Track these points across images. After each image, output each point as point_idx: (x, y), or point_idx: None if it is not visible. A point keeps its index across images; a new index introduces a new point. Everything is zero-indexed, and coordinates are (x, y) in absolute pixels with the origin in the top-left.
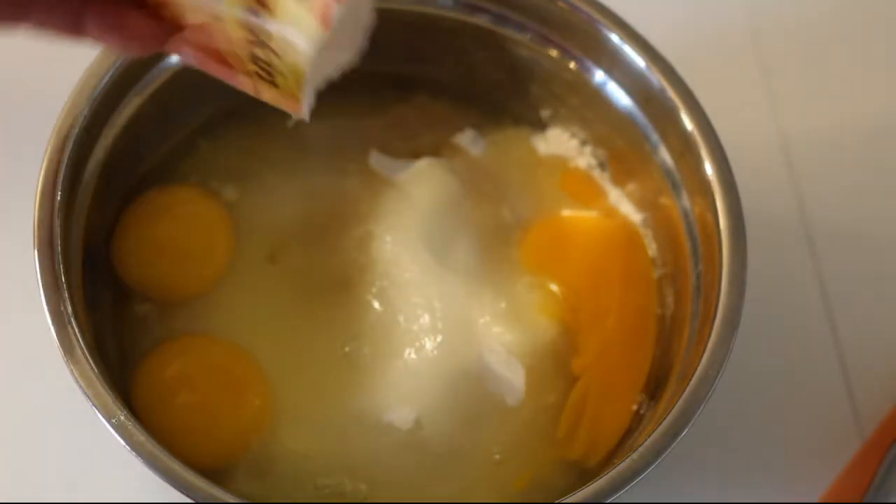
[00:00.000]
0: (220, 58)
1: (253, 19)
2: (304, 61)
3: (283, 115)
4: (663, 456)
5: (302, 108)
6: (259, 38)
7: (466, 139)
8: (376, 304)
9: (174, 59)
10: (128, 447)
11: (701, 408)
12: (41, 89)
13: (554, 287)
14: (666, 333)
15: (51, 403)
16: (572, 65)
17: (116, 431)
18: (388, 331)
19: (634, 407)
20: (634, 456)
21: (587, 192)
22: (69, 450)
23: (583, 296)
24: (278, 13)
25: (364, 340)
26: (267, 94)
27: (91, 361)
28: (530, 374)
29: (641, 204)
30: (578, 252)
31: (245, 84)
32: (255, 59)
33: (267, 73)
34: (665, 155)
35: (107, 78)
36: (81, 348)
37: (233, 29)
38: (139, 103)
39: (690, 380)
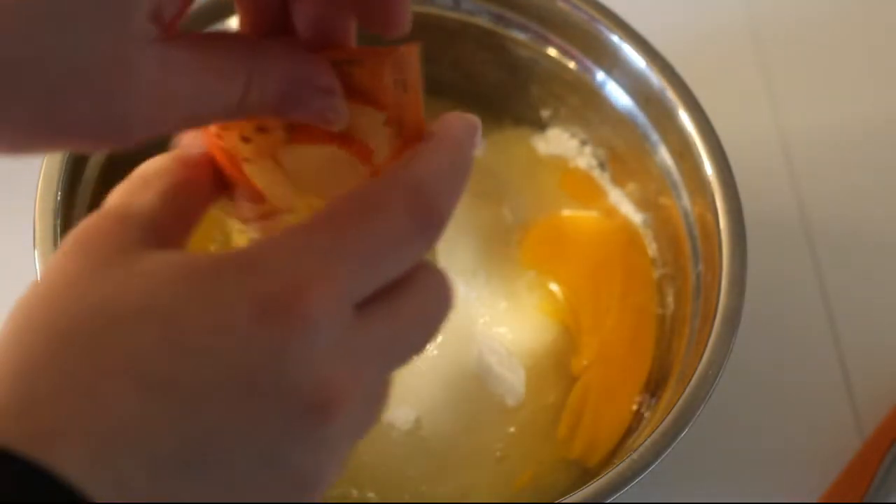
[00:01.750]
0: None
1: None
2: None
3: None
4: (663, 456)
5: None
6: None
7: None
8: None
9: None
10: None
11: (701, 408)
12: None
13: (554, 287)
14: (666, 333)
15: None
16: (572, 65)
17: None
18: None
19: (634, 407)
20: (634, 456)
21: (587, 192)
22: None
23: (583, 296)
24: None
25: None
26: None
27: None
28: (530, 374)
29: (641, 204)
30: (578, 252)
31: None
32: None
33: None
34: (665, 155)
35: None
36: None
37: None
38: None
39: (690, 380)
